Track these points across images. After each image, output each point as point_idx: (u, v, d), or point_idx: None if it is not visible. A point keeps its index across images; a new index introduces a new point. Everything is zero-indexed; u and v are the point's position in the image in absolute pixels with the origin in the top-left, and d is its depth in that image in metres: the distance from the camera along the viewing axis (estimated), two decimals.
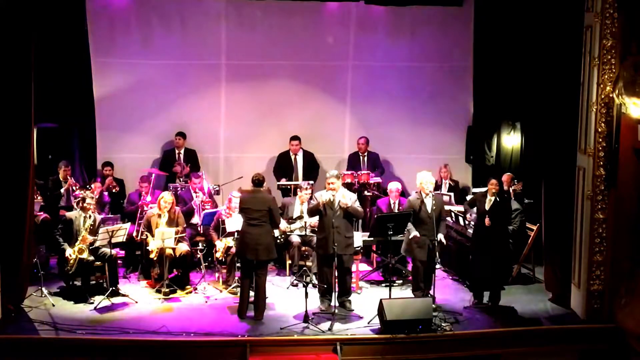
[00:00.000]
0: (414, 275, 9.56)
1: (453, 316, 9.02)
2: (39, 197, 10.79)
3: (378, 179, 11.95)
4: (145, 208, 10.54)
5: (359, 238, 10.09)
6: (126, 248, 10.53)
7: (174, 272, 10.01)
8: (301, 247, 10.51)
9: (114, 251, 9.61)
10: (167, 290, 9.62)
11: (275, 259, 9.73)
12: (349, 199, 9.12)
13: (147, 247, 9.77)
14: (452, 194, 11.78)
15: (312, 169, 12.26)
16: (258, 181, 9.09)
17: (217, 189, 11.65)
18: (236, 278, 9.73)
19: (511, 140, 12.77)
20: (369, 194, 11.67)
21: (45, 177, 11.33)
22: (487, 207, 9.39)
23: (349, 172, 11.66)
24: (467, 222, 10.49)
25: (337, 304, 9.09)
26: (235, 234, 9.62)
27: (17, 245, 8.91)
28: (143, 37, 12.31)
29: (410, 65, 12.78)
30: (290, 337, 8.45)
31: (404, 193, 11.21)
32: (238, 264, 9.67)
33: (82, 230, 9.53)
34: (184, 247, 9.86)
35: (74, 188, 11.10)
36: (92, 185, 11.06)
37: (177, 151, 12.24)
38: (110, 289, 9.40)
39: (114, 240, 9.50)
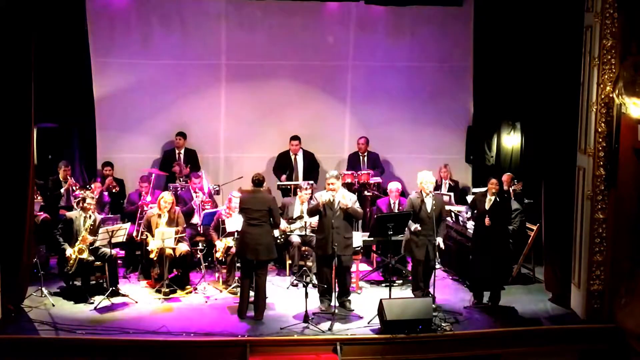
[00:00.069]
0: (414, 275, 9.56)
1: (453, 316, 9.03)
2: (39, 197, 10.79)
3: (378, 179, 11.95)
4: (145, 208, 10.54)
5: (359, 238, 10.09)
6: (126, 248, 10.53)
7: (174, 272, 10.01)
8: (301, 247, 10.51)
9: (114, 251, 9.61)
10: (167, 290, 9.62)
11: (275, 259, 9.73)
12: (349, 200, 9.12)
13: (147, 247, 9.77)
14: (452, 194, 11.77)
15: (312, 169, 12.26)
16: (258, 181, 9.09)
17: (217, 189, 11.64)
18: (236, 278, 9.73)
19: (511, 140, 12.77)
20: (369, 194, 11.67)
21: (45, 177, 11.33)
22: (487, 206, 9.39)
23: (349, 172, 11.66)
24: (463, 222, 10.51)
25: (337, 304, 9.09)
26: (235, 234, 9.62)
27: (17, 245, 8.91)
28: (143, 37, 12.30)
29: (410, 65, 12.77)
30: (290, 337, 8.45)
31: (404, 193, 11.21)
32: (238, 264, 9.67)
33: (82, 230, 9.53)
34: (184, 247, 9.86)
35: (74, 188, 11.10)
36: (92, 185, 11.06)
37: (177, 151, 12.24)
38: (110, 289, 9.40)
39: (114, 240, 9.50)
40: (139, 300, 9.45)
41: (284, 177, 12.05)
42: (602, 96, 8.83)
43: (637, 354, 8.59)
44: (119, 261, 10.17)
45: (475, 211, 9.63)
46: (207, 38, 12.43)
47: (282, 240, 10.43)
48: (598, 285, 9.06)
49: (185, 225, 10.20)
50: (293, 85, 12.73)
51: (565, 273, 9.52)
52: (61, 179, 11.25)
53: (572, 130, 9.31)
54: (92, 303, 9.29)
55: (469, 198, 11.02)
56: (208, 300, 9.59)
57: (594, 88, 8.89)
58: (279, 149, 12.40)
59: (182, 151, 12.22)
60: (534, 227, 10.36)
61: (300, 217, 10.59)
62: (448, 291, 10.06)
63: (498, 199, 9.37)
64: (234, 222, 9.79)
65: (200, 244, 10.45)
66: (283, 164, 12.20)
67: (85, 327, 8.57)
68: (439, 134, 12.92)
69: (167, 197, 9.90)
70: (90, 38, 12.07)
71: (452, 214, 10.92)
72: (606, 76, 8.78)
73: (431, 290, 9.36)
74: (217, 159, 12.76)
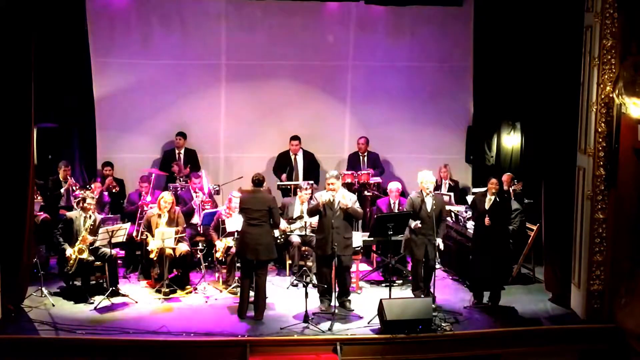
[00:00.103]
0: (414, 274, 9.57)
1: (453, 316, 9.02)
2: (39, 197, 10.79)
3: (378, 179, 11.95)
4: (145, 208, 10.54)
5: (359, 238, 10.09)
6: (126, 248, 10.53)
7: (174, 272, 10.01)
8: (301, 247, 10.51)
9: (114, 251, 9.61)
10: (167, 290, 9.62)
11: (275, 259, 9.73)
12: (349, 200, 9.12)
13: (147, 247, 9.77)
14: (452, 194, 11.77)
15: (312, 169, 12.26)
16: (258, 181, 9.09)
17: (217, 189, 11.64)
18: (236, 278, 9.72)
19: (511, 140, 12.76)
20: (369, 194, 11.67)
21: (45, 177, 11.33)
22: (486, 206, 9.39)
23: (349, 172, 11.66)
24: (463, 222, 10.51)
25: (337, 304, 9.09)
26: (235, 234, 9.62)
27: (17, 245, 8.91)
28: (143, 37, 12.31)
29: (410, 65, 12.78)
30: (290, 337, 8.45)
31: (404, 193, 11.21)
32: (238, 264, 9.67)
33: (83, 231, 9.53)
34: (184, 247, 9.86)
35: (74, 188, 11.10)
36: (92, 185, 11.06)
37: (177, 151, 12.24)
38: (110, 289, 9.40)
39: (114, 240, 9.50)
40: (139, 300, 9.45)
41: (284, 177, 12.05)
42: (602, 96, 8.82)
43: (637, 354, 8.59)
44: (119, 261, 10.17)
45: (475, 211, 9.63)
46: (207, 38, 12.43)
47: (282, 240, 10.43)
48: (598, 285, 9.06)
49: (185, 225, 10.20)
50: (293, 85, 12.73)
51: (565, 273, 9.52)
52: (61, 179, 11.25)
53: (572, 130, 9.31)
54: (92, 303, 9.29)
55: (469, 198, 11.03)
56: (208, 300, 9.59)
57: (594, 88, 8.89)
58: (279, 149, 12.39)
59: (182, 151, 12.23)
60: (534, 227, 10.36)
61: (300, 217, 10.59)
62: (448, 291, 10.06)
63: (498, 199, 9.37)
64: (234, 222, 9.79)
65: (200, 244, 10.44)
66: (283, 164, 12.20)
67: (85, 327, 8.57)
68: (439, 134, 12.92)
69: (167, 197, 9.90)
70: (90, 38, 12.08)
71: (452, 214, 10.92)
72: (606, 76, 8.78)
73: (431, 290, 9.36)
74: (217, 159, 12.76)
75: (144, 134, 12.55)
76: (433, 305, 8.93)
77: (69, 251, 9.44)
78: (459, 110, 12.98)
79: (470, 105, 12.98)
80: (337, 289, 9.23)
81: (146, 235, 9.88)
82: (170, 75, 12.43)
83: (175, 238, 9.71)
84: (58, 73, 11.78)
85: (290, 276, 10.44)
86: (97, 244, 9.53)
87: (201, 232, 10.81)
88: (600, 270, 9.04)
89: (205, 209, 10.89)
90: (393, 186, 10.84)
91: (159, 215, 9.87)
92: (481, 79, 12.76)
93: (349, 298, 9.36)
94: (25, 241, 8.97)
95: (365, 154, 12.30)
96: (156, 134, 12.54)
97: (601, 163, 8.91)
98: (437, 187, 11.32)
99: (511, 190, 11.05)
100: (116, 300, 9.39)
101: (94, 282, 9.78)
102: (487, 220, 9.30)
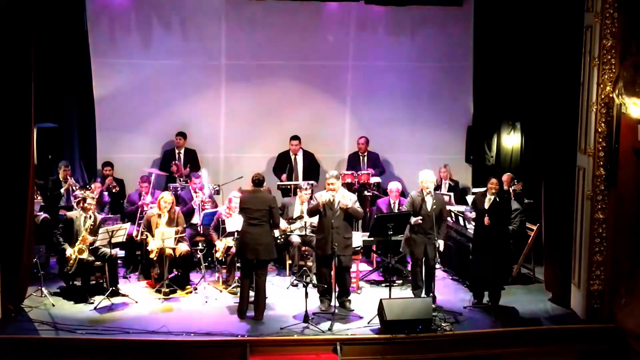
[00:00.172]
0: (413, 274, 9.57)
1: (453, 316, 9.02)
2: (39, 197, 10.79)
3: (378, 179, 11.95)
4: (145, 208, 10.55)
5: (359, 238, 10.09)
6: (126, 248, 10.53)
7: (174, 272, 10.01)
8: (301, 247, 10.51)
9: (114, 251, 9.61)
10: (167, 290, 9.62)
11: (275, 259, 9.74)
12: (349, 200, 9.12)
13: (147, 247, 9.77)
14: (451, 194, 11.77)
15: (312, 169, 12.26)
16: (258, 181, 9.09)
17: (217, 189, 11.64)
18: (236, 278, 9.73)
19: (511, 140, 12.76)
20: (369, 194, 11.67)
21: (45, 177, 11.33)
22: (486, 206, 9.39)
23: (349, 172, 11.65)
24: (467, 222, 10.51)
25: (337, 304, 9.09)
26: (235, 234, 9.62)
27: (17, 245, 8.91)
28: (143, 37, 12.31)
29: (410, 65, 12.78)
30: (290, 337, 8.45)
31: (404, 193, 11.20)
32: (238, 264, 9.67)
33: (83, 231, 9.53)
34: (184, 247, 9.86)
35: (74, 188, 11.10)
36: (92, 185, 11.06)
37: (177, 151, 12.24)
38: (110, 289, 9.40)
39: (114, 240, 9.49)
40: (139, 300, 9.45)
41: (284, 176, 12.05)
42: (602, 96, 8.82)
43: (637, 354, 8.59)
44: (119, 261, 10.17)
45: (475, 211, 9.63)
46: (207, 38, 12.43)
47: (282, 240, 10.43)
48: (598, 285, 9.06)
49: (185, 225, 10.20)
50: (293, 85, 12.73)
51: (565, 273, 9.52)
52: (61, 179, 11.25)
53: (572, 130, 9.31)
54: (92, 303, 9.29)
55: (469, 198, 11.03)
56: (208, 300, 9.59)
57: (594, 88, 8.89)
58: (279, 149, 12.39)
59: (182, 151, 12.22)
60: (534, 227, 10.36)
61: (300, 217, 10.59)
62: (448, 291, 10.06)
63: (498, 199, 9.37)
64: (234, 222, 9.80)
65: (200, 244, 10.44)
66: (283, 164, 12.20)
67: (85, 327, 8.57)
68: (439, 134, 12.92)
69: (167, 197, 9.91)
70: (90, 38, 12.08)
71: (452, 214, 10.92)
72: (606, 76, 8.78)
73: (430, 289, 9.36)
74: (217, 159, 12.75)
75: (144, 134, 12.55)
76: (433, 305, 8.93)
77: (69, 251, 9.44)
78: (458, 110, 12.98)
79: (470, 105, 12.98)
80: (337, 289, 9.23)
81: (146, 235, 9.88)
82: (170, 75, 12.43)
83: (175, 238, 9.71)
84: (58, 73, 11.79)
85: (290, 276, 10.44)
86: (97, 244, 9.53)
87: (201, 232, 10.81)
88: (600, 270, 9.04)
89: (205, 209, 10.89)
90: (393, 186, 10.84)
91: (159, 215, 9.87)
92: (481, 79, 12.76)
93: (349, 298, 9.36)
94: (25, 241, 8.97)
95: (365, 154, 12.29)
96: (156, 134, 12.54)
97: (601, 163, 8.91)
98: (437, 187, 11.31)
99: (511, 190, 11.04)
100: (116, 300, 9.39)
101: (94, 282, 9.78)
102: (486, 220, 9.30)
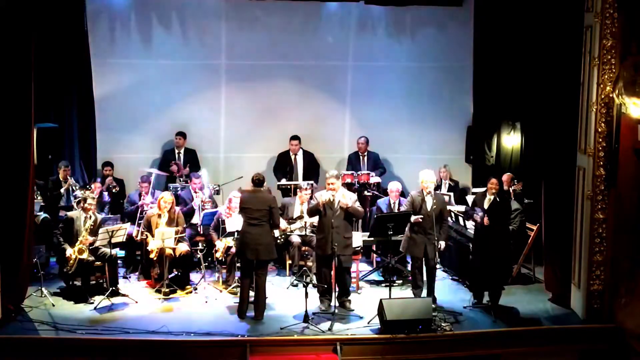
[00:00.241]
0: (413, 274, 9.56)
1: (453, 316, 9.03)
2: (39, 197, 10.79)
3: (378, 179, 11.95)
4: (145, 208, 10.55)
5: (359, 238, 10.09)
6: (126, 248, 10.53)
7: (174, 272, 10.01)
8: (301, 247, 10.51)
9: (114, 251, 9.61)
10: (167, 290, 9.62)
11: (275, 259, 9.74)
12: (349, 199, 9.12)
13: (147, 247, 9.77)
14: (451, 194, 11.78)
15: (312, 168, 12.26)
16: (258, 181, 9.09)
17: (217, 189, 11.64)
18: (236, 278, 9.73)
19: (511, 140, 12.76)
20: (369, 194, 11.67)
21: (45, 177, 11.32)
22: (485, 206, 9.40)
23: (349, 172, 11.66)
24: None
25: (337, 304, 9.09)
26: (235, 234, 9.62)
27: (17, 245, 8.90)
28: (143, 37, 12.31)
29: (410, 65, 12.78)
30: (290, 337, 8.45)
31: (404, 193, 11.20)
32: (238, 264, 9.67)
33: (83, 231, 9.53)
34: (184, 247, 9.86)
35: (73, 188, 11.10)
36: (92, 185, 11.06)
37: (177, 151, 12.24)
38: (110, 289, 9.40)
39: (114, 240, 9.49)
40: (139, 300, 9.45)
41: (283, 179, 12.04)
42: (602, 96, 8.82)
43: (637, 354, 8.59)
44: (119, 261, 10.17)
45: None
46: (207, 38, 12.44)
47: (282, 240, 10.43)
48: (598, 285, 9.06)
49: (185, 225, 10.20)
50: (293, 86, 12.73)
51: (565, 273, 9.51)
52: (61, 179, 11.25)
53: (572, 130, 9.31)
54: (92, 303, 9.29)
55: (469, 198, 11.03)
56: (208, 300, 9.59)
57: (594, 88, 8.88)
58: (279, 149, 12.40)
59: (182, 151, 12.23)
60: (534, 227, 10.36)
61: (300, 217, 10.59)
62: (448, 291, 10.06)
63: (498, 199, 9.37)
64: (234, 222, 9.80)
65: (200, 244, 10.44)
66: (283, 164, 12.20)
67: (85, 327, 8.57)
68: (439, 134, 12.92)
69: (167, 197, 9.91)
70: (90, 38, 12.08)
71: (452, 214, 10.92)
72: (606, 76, 8.77)
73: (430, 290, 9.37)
74: (217, 159, 12.76)
75: (144, 134, 12.55)
76: (433, 305, 8.93)
77: (69, 251, 9.45)
78: (458, 110, 12.98)
79: (470, 105, 12.97)
80: (337, 289, 9.23)
81: (146, 235, 9.88)
82: (170, 75, 12.43)
83: (175, 238, 9.71)
84: (58, 73, 11.79)
85: (290, 276, 10.44)
86: (97, 244, 9.53)
87: (201, 232, 10.81)
88: (600, 270, 9.04)
89: (205, 209, 10.89)
90: (393, 186, 10.84)
91: (159, 215, 9.87)
92: (481, 79, 12.75)
93: (349, 298, 9.36)
94: (25, 241, 8.97)
95: (365, 153, 12.29)
96: (156, 134, 12.54)
97: (601, 163, 8.91)
98: (437, 187, 11.31)
99: (511, 190, 11.05)
100: (116, 300, 9.39)
101: (94, 282, 9.78)
102: (486, 220, 9.30)
